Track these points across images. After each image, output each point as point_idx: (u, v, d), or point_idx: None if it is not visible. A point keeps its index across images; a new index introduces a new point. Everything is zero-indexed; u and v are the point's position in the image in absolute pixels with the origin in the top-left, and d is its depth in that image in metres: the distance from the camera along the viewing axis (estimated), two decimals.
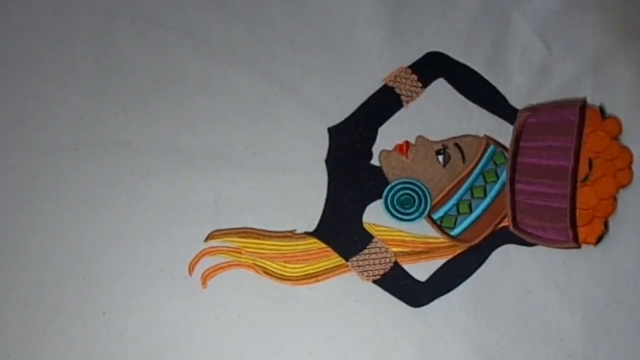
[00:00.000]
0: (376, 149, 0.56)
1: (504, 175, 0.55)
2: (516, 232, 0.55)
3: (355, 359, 0.53)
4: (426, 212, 0.55)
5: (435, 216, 0.55)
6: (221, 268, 0.54)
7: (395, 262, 0.54)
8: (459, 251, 0.55)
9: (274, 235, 0.55)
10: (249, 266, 0.54)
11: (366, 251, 0.54)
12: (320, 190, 0.56)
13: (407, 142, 0.56)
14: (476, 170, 0.55)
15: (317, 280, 0.54)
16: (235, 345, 0.53)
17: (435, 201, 0.55)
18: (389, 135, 0.56)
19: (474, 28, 0.56)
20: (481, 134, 0.56)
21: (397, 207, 0.55)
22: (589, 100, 0.55)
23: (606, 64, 0.55)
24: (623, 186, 0.56)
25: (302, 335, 0.53)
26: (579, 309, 0.53)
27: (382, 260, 0.54)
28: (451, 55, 0.57)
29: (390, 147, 0.56)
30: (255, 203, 0.55)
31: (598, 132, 0.54)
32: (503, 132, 0.56)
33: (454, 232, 0.55)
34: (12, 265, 0.55)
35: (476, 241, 0.55)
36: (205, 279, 0.54)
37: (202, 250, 0.54)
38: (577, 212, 0.55)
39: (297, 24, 0.59)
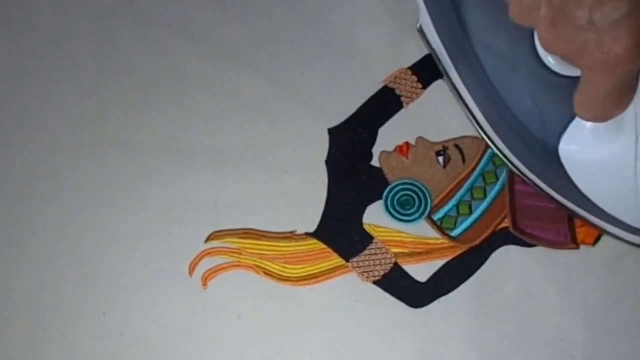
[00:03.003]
0: (376, 150, 0.56)
1: (503, 176, 0.55)
2: (516, 233, 0.55)
3: (355, 359, 0.53)
4: (426, 213, 0.55)
5: (435, 217, 0.55)
6: (222, 269, 0.54)
7: (395, 263, 0.54)
8: (459, 252, 0.55)
9: (274, 236, 0.55)
10: (250, 267, 0.54)
11: (366, 252, 0.54)
12: (321, 191, 0.56)
13: (407, 143, 0.56)
14: (476, 171, 0.56)
15: (318, 281, 0.54)
16: (236, 346, 0.53)
17: (435, 202, 0.55)
18: (388, 136, 0.56)
19: None
20: None
21: (397, 208, 0.55)
22: None
23: None
24: None
25: (303, 335, 0.53)
26: (579, 310, 0.53)
27: (382, 261, 0.54)
28: None
29: (390, 148, 0.56)
30: (255, 203, 0.55)
31: None
32: None
33: (454, 233, 0.55)
34: (12, 265, 0.54)
35: (476, 242, 0.55)
36: (205, 280, 0.54)
37: (203, 251, 0.54)
38: None
39: (297, 24, 0.59)
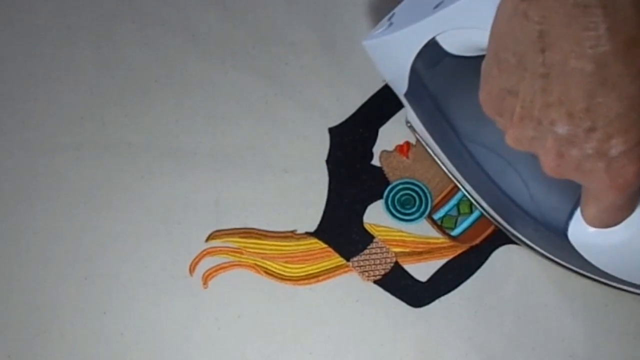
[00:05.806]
0: (377, 150, 0.56)
1: None
2: None
3: (356, 358, 0.53)
4: (427, 213, 0.55)
5: (436, 216, 0.55)
6: (222, 268, 0.54)
7: (396, 263, 0.54)
8: (459, 251, 0.55)
9: (275, 235, 0.55)
10: (250, 266, 0.54)
11: (367, 251, 0.54)
12: (321, 190, 0.56)
13: (407, 143, 0.56)
14: None
15: (318, 281, 0.54)
16: (236, 345, 0.53)
17: (435, 201, 0.55)
18: (389, 136, 0.56)
19: None
20: None
21: (398, 208, 0.55)
22: None
23: None
24: None
25: (303, 335, 0.53)
26: (580, 310, 0.53)
27: (383, 261, 0.54)
28: None
29: (390, 148, 0.56)
30: (256, 203, 0.55)
31: None
32: None
33: (454, 233, 0.55)
34: (12, 265, 0.54)
35: (477, 241, 0.55)
36: (206, 279, 0.54)
37: (203, 251, 0.54)
38: None
39: (297, 24, 0.59)
